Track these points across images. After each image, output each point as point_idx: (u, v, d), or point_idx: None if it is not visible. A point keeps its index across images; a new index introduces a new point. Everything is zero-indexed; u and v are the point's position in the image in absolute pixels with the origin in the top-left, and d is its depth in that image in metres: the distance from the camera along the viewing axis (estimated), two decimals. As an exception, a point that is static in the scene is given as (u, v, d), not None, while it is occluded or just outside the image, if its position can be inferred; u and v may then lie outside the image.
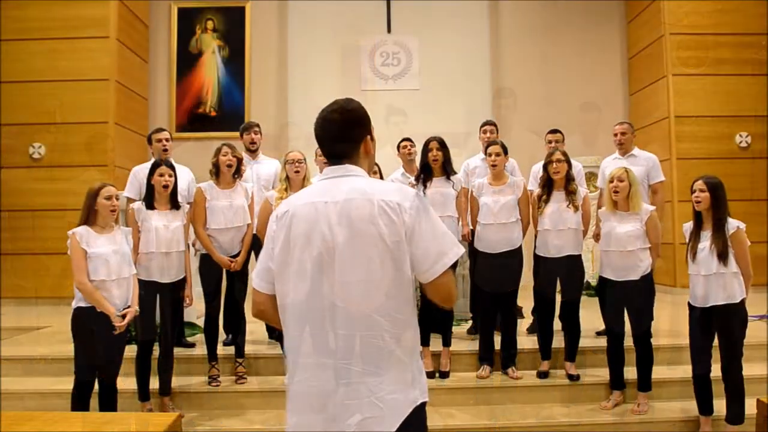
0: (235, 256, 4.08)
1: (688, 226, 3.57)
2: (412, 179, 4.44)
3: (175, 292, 3.77)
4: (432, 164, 4.22)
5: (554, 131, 5.07)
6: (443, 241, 1.60)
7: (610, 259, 3.78)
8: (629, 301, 3.74)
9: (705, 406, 3.52)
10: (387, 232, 1.56)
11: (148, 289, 3.64)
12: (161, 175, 3.70)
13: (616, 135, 4.94)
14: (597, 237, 4.26)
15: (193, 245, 4.34)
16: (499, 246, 4.13)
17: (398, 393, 1.56)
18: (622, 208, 3.78)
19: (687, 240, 3.55)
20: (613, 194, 3.75)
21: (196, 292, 4.04)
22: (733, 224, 3.38)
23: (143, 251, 3.65)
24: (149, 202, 3.74)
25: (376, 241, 1.56)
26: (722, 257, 3.33)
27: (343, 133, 1.69)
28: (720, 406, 3.47)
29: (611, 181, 3.77)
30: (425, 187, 4.22)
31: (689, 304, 3.52)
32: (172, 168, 3.77)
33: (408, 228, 1.57)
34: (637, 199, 3.75)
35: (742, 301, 3.39)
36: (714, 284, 3.36)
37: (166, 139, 4.54)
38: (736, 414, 3.38)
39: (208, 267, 4.08)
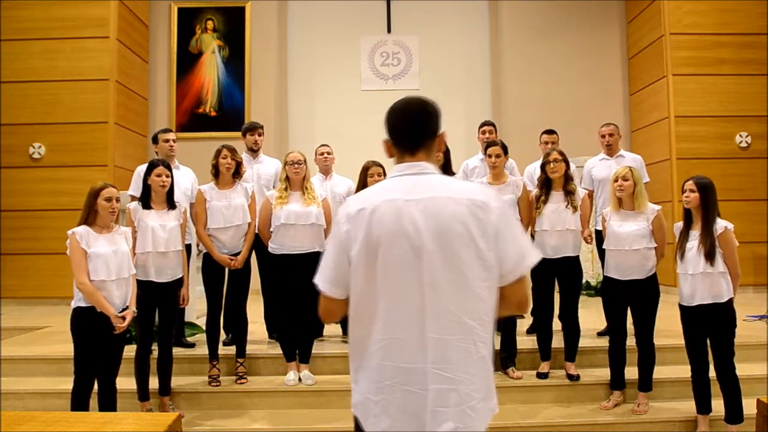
0: (236, 255, 4.09)
1: (679, 225, 3.59)
2: None
3: (172, 292, 3.77)
4: None
5: (549, 132, 5.06)
6: (525, 244, 1.56)
7: (615, 259, 3.76)
8: (633, 300, 3.73)
9: (702, 405, 3.52)
10: (477, 231, 1.49)
11: (145, 288, 3.64)
12: (159, 176, 3.70)
13: (603, 136, 4.96)
14: (588, 238, 4.25)
15: (197, 245, 4.35)
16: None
17: (485, 401, 1.51)
18: (627, 207, 3.77)
19: (677, 239, 3.56)
20: (617, 192, 3.74)
21: (197, 291, 4.05)
22: (721, 224, 3.39)
23: (140, 251, 3.64)
24: (146, 201, 3.75)
25: (467, 241, 1.48)
26: (709, 257, 3.34)
27: (425, 124, 1.61)
28: (720, 406, 3.46)
29: (615, 180, 3.76)
30: None
31: (679, 304, 3.54)
32: (169, 168, 3.78)
33: (494, 228, 1.51)
34: (642, 198, 3.74)
35: (730, 301, 3.39)
36: (700, 283, 3.38)
37: (173, 140, 4.59)
38: (734, 413, 3.39)
39: (210, 266, 4.09)
